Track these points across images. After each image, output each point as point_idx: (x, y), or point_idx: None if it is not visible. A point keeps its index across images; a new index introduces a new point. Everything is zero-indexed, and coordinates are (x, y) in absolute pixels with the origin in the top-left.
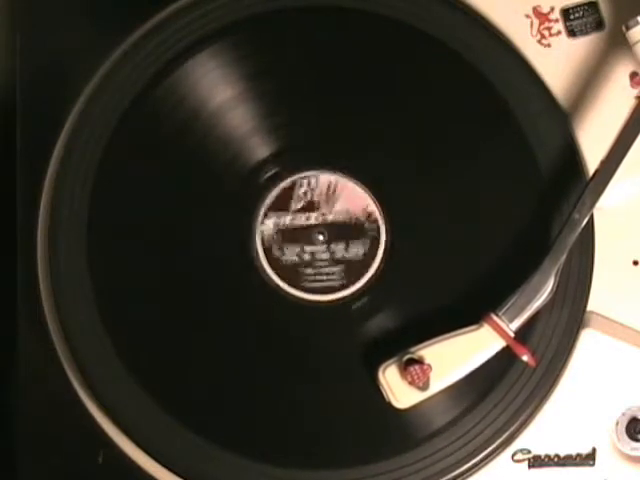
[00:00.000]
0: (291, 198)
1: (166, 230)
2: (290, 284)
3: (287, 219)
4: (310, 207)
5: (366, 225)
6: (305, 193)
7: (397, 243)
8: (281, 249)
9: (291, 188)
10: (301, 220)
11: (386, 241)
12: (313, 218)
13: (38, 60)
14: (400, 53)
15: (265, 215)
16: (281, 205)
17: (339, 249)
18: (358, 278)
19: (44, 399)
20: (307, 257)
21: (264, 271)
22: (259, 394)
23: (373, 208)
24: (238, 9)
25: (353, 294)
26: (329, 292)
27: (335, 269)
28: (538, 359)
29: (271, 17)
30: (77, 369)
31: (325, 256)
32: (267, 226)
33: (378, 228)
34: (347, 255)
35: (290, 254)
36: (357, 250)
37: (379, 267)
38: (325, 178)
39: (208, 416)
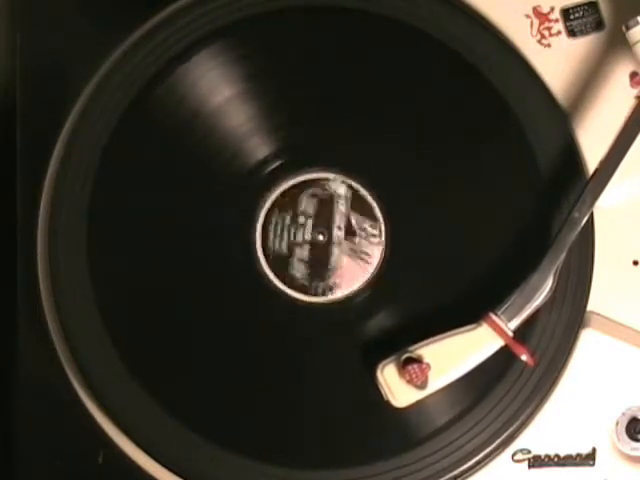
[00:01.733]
0: (364, 216)
1: (166, 230)
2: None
3: (342, 208)
4: (349, 232)
5: (319, 285)
6: (364, 229)
7: (396, 242)
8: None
9: (374, 218)
10: (338, 220)
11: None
12: (337, 232)
13: (38, 60)
14: (400, 53)
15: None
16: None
17: (302, 253)
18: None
19: (44, 399)
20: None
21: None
22: (259, 394)
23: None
24: (238, 9)
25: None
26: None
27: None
28: (538, 359)
29: (271, 17)
30: (77, 369)
31: (298, 238)
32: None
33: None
34: (295, 260)
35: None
36: (298, 270)
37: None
38: (378, 250)
39: (208, 416)
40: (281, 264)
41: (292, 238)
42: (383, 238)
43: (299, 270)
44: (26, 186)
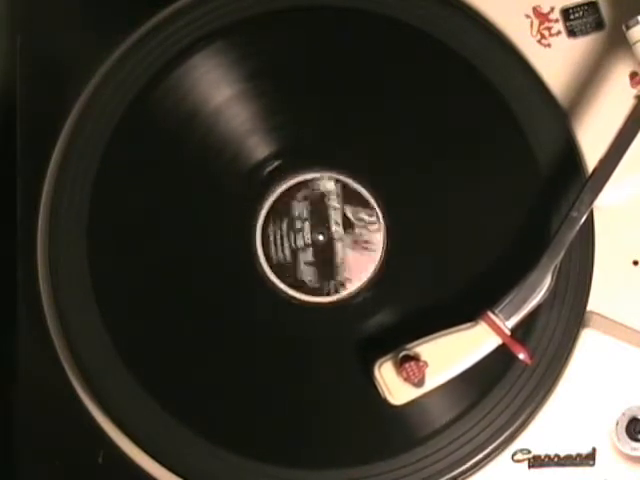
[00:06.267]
0: (359, 206)
1: (166, 230)
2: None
3: (334, 203)
4: (347, 226)
5: (330, 283)
6: (361, 219)
7: (396, 241)
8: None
9: (368, 206)
10: (335, 216)
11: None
12: (335, 228)
13: (38, 60)
14: (400, 53)
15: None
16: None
17: (307, 256)
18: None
19: (44, 399)
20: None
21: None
22: (259, 394)
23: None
24: (238, 9)
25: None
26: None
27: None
28: (537, 359)
29: (271, 17)
30: (77, 369)
31: (299, 242)
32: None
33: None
34: (301, 264)
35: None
36: (306, 274)
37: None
38: (379, 237)
39: (208, 416)
40: (287, 272)
41: (293, 244)
42: (382, 222)
43: (308, 274)
44: (26, 186)
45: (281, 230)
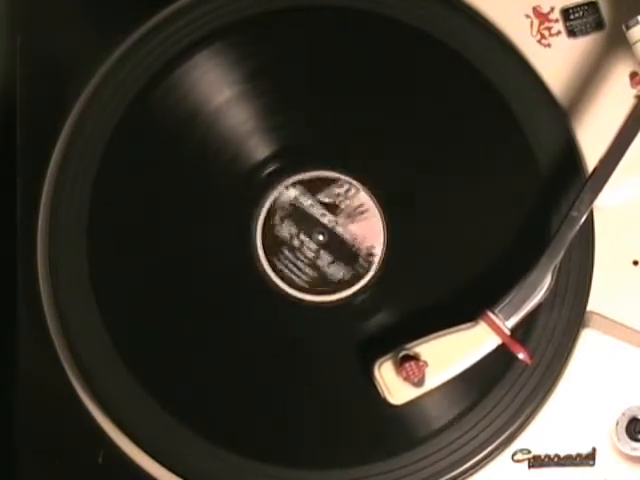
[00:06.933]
0: (327, 187)
1: (166, 230)
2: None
3: (308, 201)
4: (333, 209)
5: (360, 261)
6: (338, 194)
7: (396, 241)
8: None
9: (333, 181)
10: (317, 211)
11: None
12: (326, 219)
13: (38, 60)
14: (400, 53)
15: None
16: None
17: (325, 259)
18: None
19: (44, 399)
20: (296, 244)
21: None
22: (259, 394)
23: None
24: (238, 9)
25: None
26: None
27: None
28: (537, 359)
29: (271, 17)
30: (77, 369)
31: (309, 254)
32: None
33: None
34: (326, 269)
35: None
36: (336, 272)
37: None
38: (364, 196)
39: (208, 416)
40: (322, 283)
41: (307, 259)
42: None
43: (336, 271)
44: (26, 186)
45: (287, 258)
